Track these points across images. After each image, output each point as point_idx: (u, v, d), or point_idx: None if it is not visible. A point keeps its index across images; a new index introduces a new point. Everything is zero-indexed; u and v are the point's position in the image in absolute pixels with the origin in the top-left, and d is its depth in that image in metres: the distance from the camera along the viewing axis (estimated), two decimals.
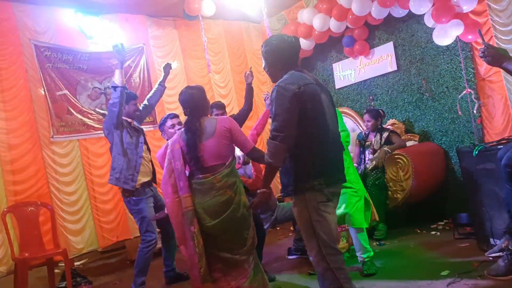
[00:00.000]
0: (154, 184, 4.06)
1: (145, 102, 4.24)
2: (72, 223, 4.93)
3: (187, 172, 2.95)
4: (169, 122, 4.03)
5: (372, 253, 3.65)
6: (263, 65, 2.66)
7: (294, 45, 2.53)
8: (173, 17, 6.08)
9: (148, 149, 4.10)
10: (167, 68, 4.24)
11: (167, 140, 3.62)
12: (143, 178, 3.88)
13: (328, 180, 2.37)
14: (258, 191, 2.60)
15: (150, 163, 4.05)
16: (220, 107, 4.26)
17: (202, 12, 5.65)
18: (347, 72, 6.12)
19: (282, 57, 2.49)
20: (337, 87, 6.28)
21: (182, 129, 2.99)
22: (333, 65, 6.30)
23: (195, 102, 2.95)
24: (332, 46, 6.20)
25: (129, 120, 3.94)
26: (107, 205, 5.20)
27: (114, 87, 3.70)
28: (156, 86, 4.31)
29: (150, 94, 4.29)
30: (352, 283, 2.41)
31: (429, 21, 4.73)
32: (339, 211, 3.51)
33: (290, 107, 2.28)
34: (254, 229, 2.96)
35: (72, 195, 4.99)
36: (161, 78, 4.28)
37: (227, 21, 6.61)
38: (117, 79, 3.71)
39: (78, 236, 4.97)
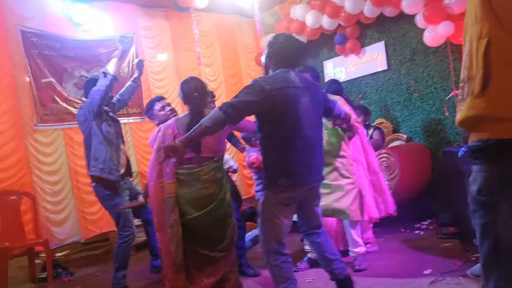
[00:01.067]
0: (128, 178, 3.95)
1: (118, 96, 4.02)
2: (54, 213, 4.84)
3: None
4: (158, 105, 3.81)
5: (364, 248, 3.69)
6: (263, 59, 2.70)
7: (299, 47, 2.64)
8: (165, 8, 6.00)
9: (123, 141, 3.95)
10: (140, 65, 4.04)
11: (158, 125, 3.49)
12: (121, 170, 3.74)
13: (293, 181, 2.48)
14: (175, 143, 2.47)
15: (125, 155, 3.91)
16: (213, 96, 4.09)
17: (194, 4, 5.61)
18: (338, 69, 6.11)
19: (283, 56, 2.59)
20: None
21: (183, 115, 3.01)
22: (324, 62, 6.29)
23: (200, 91, 2.99)
24: (324, 43, 6.19)
25: (107, 108, 3.75)
26: (91, 196, 5.06)
27: (105, 73, 3.56)
28: (129, 82, 4.12)
29: (122, 90, 4.10)
30: (293, 284, 2.58)
31: (420, 22, 4.74)
32: (337, 203, 3.52)
33: (251, 99, 2.40)
34: (234, 228, 2.97)
35: (55, 185, 4.89)
36: (136, 75, 4.12)
37: (219, 14, 6.55)
38: (111, 66, 3.59)
39: (61, 227, 4.87)
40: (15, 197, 4.39)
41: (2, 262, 3.97)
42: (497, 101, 1.01)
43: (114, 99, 3.98)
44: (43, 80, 4.88)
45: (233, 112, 2.38)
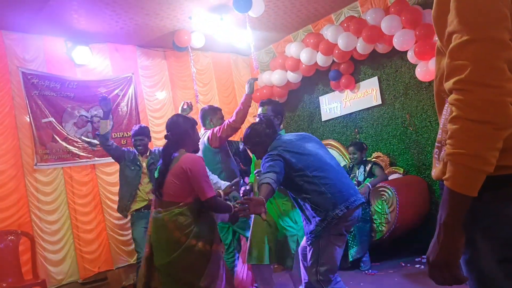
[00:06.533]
0: None
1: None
2: (52, 253, 4.82)
3: None
4: None
5: None
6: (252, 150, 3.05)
7: (266, 131, 2.92)
8: (163, 48, 6.15)
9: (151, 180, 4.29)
10: (103, 103, 4.27)
11: None
12: (135, 206, 4.30)
13: (347, 204, 2.65)
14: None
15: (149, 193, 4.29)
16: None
17: (192, 44, 5.75)
18: (333, 105, 6.21)
19: (262, 141, 2.91)
20: (323, 119, 6.36)
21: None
22: (320, 98, 6.40)
23: (177, 130, 2.84)
24: (319, 79, 6.32)
25: (129, 154, 4.36)
26: (90, 234, 5.11)
27: (98, 135, 4.34)
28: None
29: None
30: None
31: (412, 58, 4.88)
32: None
33: (274, 163, 2.66)
34: (210, 278, 2.70)
35: (54, 224, 4.89)
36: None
37: (216, 53, 6.71)
38: (100, 128, 4.23)
39: (58, 267, 4.85)
40: (13, 237, 4.37)
41: None
42: None
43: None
44: (43, 120, 4.96)
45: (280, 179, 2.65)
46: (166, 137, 2.88)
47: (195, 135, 2.94)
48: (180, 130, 2.85)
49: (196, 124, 2.99)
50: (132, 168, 4.26)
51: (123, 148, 4.49)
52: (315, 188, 2.67)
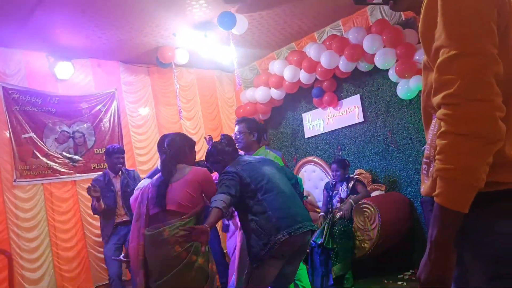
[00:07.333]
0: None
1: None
2: (30, 271, 4.70)
3: None
4: None
5: None
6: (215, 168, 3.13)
7: (226, 148, 3.07)
8: (146, 64, 6.14)
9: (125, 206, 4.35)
10: None
11: None
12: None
13: (290, 231, 2.64)
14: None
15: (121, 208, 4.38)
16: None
17: (175, 60, 5.76)
18: (316, 122, 6.26)
19: (223, 158, 3.04)
20: (306, 136, 6.40)
21: (158, 175, 2.98)
22: (303, 115, 6.45)
23: (175, 148, 2.95)
24: (302, 96, 6.37)
25: (112, 175, 4.43)
26: (69, 252, 5.00)
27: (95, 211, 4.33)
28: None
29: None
30: None
31: (393, 76, 4.96)
32: None
33: (229, 183, 2.74)
34: None
35: (33, 241, 4.78)
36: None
37: (200, 69, 6.72)
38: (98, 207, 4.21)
39: (37, 285, 4.71)
40: None
41: None
42: None
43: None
44: (24, 136, 4.88)
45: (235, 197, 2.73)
46: (164, 151, 2.95)
47: (192, 155, 3.10)
48: (178, 148, 2.98)
49: (195, 144, 3.17)
50: (108, 195, 4.30)
51: (93, 179, 4.52)
52: (263, 210, 2.71)
